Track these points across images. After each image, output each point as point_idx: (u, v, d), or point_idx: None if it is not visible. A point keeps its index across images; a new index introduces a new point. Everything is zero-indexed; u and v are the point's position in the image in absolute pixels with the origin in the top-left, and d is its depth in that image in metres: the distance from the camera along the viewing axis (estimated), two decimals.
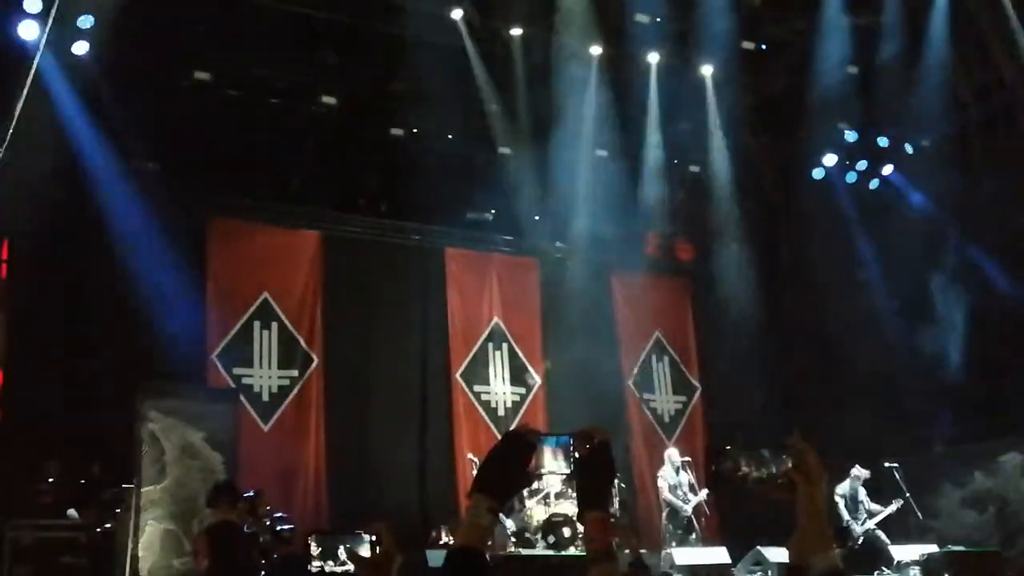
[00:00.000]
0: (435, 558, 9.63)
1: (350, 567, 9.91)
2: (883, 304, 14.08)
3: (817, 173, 15.22)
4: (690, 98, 14.00)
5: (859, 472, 12.38)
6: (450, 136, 13.71)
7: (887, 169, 14.86)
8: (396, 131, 13.68)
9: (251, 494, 10.04)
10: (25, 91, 10.30)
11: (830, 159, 15.06)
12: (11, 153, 10.14)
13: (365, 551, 10.02)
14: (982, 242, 13.35)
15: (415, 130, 13.68)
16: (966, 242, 13.40)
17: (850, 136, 14.75)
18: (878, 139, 14.77)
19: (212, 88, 12.30)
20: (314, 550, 10.27)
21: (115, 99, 11.28)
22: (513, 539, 11.51)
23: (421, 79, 12.59)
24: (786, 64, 14.40)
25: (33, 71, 10.41)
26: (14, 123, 10.16)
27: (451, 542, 10.99)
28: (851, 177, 15.07)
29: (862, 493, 12.40)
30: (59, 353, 10.73)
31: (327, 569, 10.07)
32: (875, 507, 12.33)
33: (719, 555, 11.17)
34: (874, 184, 15.04)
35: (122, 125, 11.31)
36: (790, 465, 2.22)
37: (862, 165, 15.01)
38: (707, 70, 14.11)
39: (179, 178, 11.89)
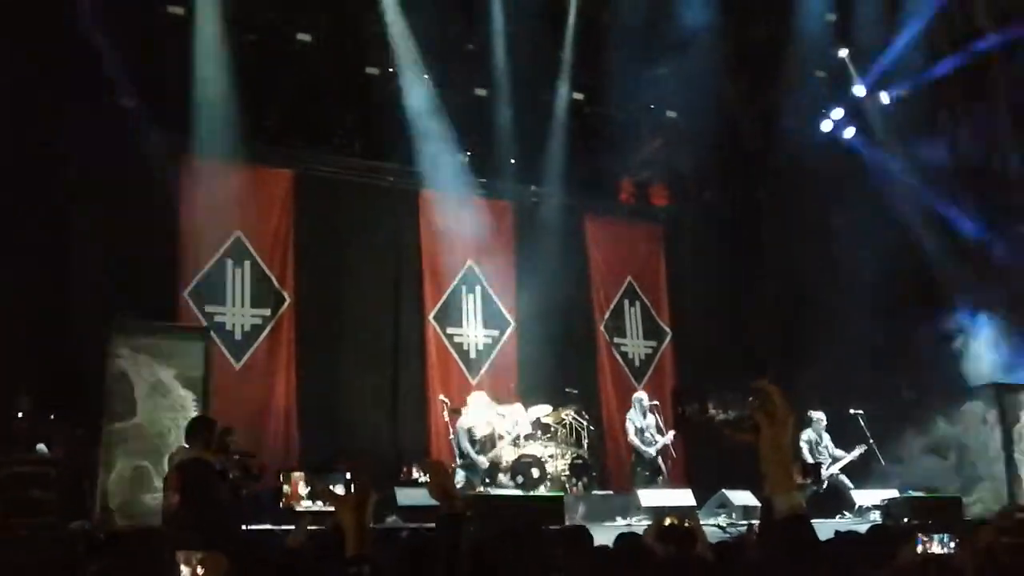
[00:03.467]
0: (405, 496, 9.71)
1: (323, 505, 9.94)
2: (856, 253, 14.13)
3: (795, 122, 15.20)
4: (669, 43, 13.87)
5: (819, 415, 12.57)
6: (425, 76, 13.54)
7: (863, 119, 14.87)
8: (371, 70, 13.52)
9: (221, 431, 10.05)
10: None
11: (809, 108, 15.03)
12: None
13: (340, 489, 10.09)
14: (953, 193, 13.42)
15: (390, 69, 13.53)
16: (937, 192, 13.46)
17: (827, 85, 14.71)
18: (855, 89, 14.75)
19: (185, 24, 12.09)
20: (285, 489, 10.27)
21: (89, 33, 11.08)
22: (486, 479, 11.62)
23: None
24: (768, 11, 14.30)
25: None
26: None
27: (421, 478, 11.09)
28: (828, 127, 15.08)
29: (826, 438, 12.59)
30: (30, 287, 10.61)
31: (298, 507, 10.08)
32: (839, 452, 12.54)
33: (684, 497, 11.29)
34: (850, 134, 15.05)
35: (95, 59, 11.12)
36: (756, 406, 2.23)
37: (839, 115, 15.03)
38: (688, 15, 13.96)
39: (152, 114, 11.73)
